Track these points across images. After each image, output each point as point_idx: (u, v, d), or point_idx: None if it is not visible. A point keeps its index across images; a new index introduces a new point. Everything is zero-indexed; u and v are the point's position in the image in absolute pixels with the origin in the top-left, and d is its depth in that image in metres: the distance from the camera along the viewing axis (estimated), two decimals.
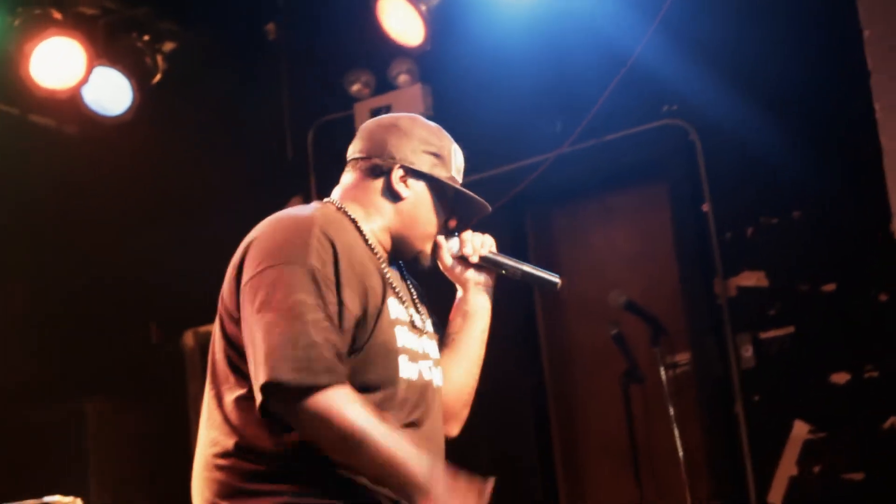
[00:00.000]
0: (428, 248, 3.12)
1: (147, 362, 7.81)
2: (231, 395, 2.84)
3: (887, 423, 5.70)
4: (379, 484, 2.75)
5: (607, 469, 6.59)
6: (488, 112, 6.76)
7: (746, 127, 6.01)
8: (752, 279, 6.08)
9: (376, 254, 2.98)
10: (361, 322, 2.81)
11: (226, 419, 2.85)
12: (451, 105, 6.93)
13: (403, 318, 2.97)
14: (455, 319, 3.24)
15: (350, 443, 2.69)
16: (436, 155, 3.07)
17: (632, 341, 5.69)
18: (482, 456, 6.19)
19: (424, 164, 3.05)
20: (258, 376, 2.69)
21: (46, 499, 4.75)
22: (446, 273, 3.22)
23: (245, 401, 2.80)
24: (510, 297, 6.75)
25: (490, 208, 3.15)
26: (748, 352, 6.03)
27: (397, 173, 3.02)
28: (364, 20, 6.40)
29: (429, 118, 7.20)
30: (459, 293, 3.26)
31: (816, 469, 5.86)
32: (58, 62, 6.33)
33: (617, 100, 6.31)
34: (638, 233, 6.71)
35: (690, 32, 6.24)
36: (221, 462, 2.84)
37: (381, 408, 2.80)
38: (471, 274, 3.23)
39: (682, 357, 6.24)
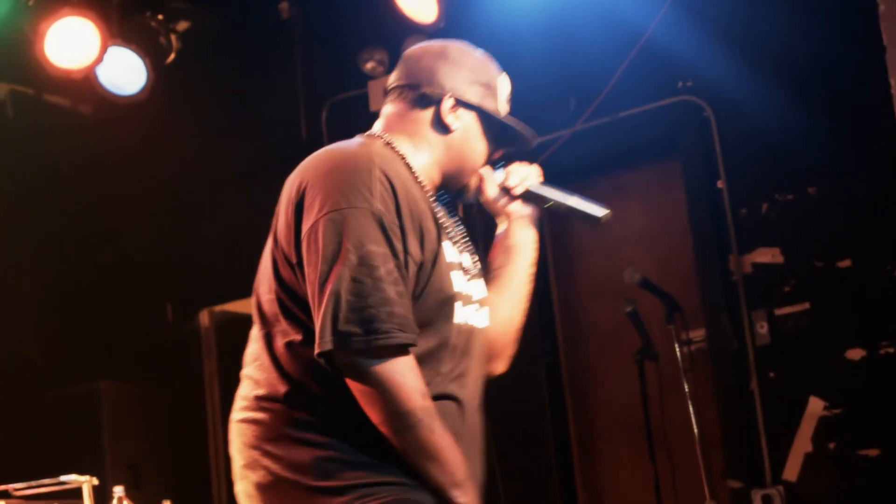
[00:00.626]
0: (473, 181, 3.03)
1: (163, 342, 7.84)
2: (283, 339, 2.75)
3: None
4: (412, 469, 2.67)
5: (623, 446, 6.62)
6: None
7: (761, 104, 6.02)
8: (767, 256, 6.09)
9: (426, 191, 2.86)
10: (420, 266, 2.72)
11: (275, 362, 2.76)
12: None
13: (456, 261, 2.87)
14: (498, 255, 3.13)
15: (399, 422, 2.62)
16: (485, 85, 2.96)
17: (646, 319, 5.68)
18: (498, 434, 6.21)
19: (475, 95, 2.93)
20: (325, 329, 2.59)
21: (63, 478, 4.81)
22: (488, 206, 3.10)
23: (300, 346, 2.71)
24: None
25: (536, 140, 3.05)
26: (763, 328, 6.05)
27: (448, 104, 2.91)
28: None
29: None
30: (501, 228, 3.14)
31: (832, 446, 5.88)
32: (72, 42, 6.33)
33: (630, 77, 6.29)
34: (652, 210, 6.72)
35: (704, 9, 6.24)
36: (268, 405, 2.76)
37: (435, 355, 2.74)
38: (514, 207, 3.10)
39: (697, 334, 6.25)
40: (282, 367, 2.74)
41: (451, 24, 6.45)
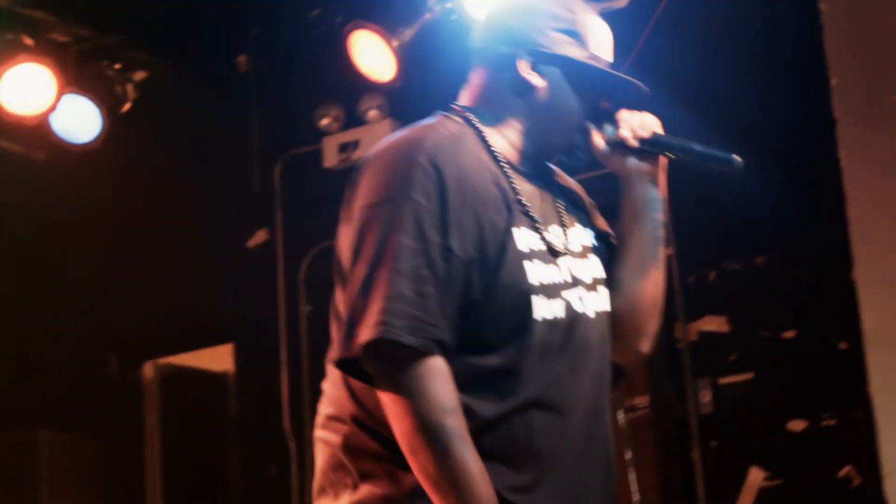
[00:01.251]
0: (578, 139, 2.69)
1: (105, 392, 7.80)
2: None
3: (842, 472, 5.74)
4: (429, 491, 2.34)
5: None
6: None
7: (711, 172, 6.06)
8: (713, 324, 6.13)
9: (504, 169, 2.57)
10: (477, 265, 2.42)
11: (343, 377, 2.49)
12: None
13: (538, 247, 2.53)
14: (624, 219, 2.77)
15: (411, 440, 2.32)
16: (569, 32, 2.64)
17: None
18: None
19: (557, 44, 2.63)
20: (342, 336, 2.37)
21: None
22: (605, 163, 2.74)
23: None
24: None
25: (646, 87, 2.72)
26: (707, 397, 6.07)
27: (525, 61, 2.62)
28: (335, 55, 6.43)
29: None
30: (622, 188, 2.80)
31: None
32: (27, 88, 6.37)
33: None
34: None
35: (658, 69, 6.30)
36: (336, 425, 2.51)
37: (513, 361, 2.43)
38: (633, 162, 2.74)
39: (641, 400, 6.27)
40: (348, 383, 2.50)
41: (408, 82, 6.50)
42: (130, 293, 7.71)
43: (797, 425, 5.86)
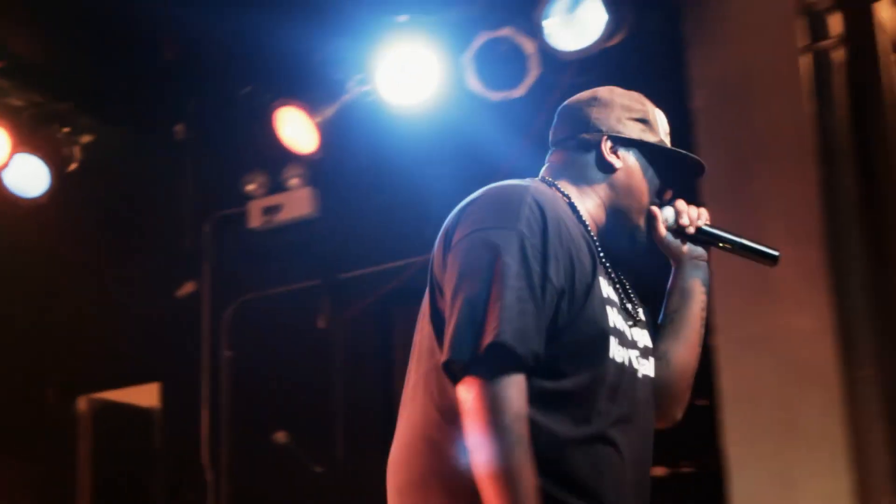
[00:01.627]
0: (643, 222, 2.76)
1: (41, 425, 7.76)
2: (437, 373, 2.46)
3: None
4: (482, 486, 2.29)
5: None
6: (369, 216, 6.90)
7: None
8: None
9: (590, 231, 2.65)
10: (567, 296, 2.44)
11: (430, 400, 2.49)
12: (336, 208, 7.02)
13: (614, 299, 2.61)
14: (672, 298, 2.85)
15: (480, 439, 2.29)
16: (642, 121, 2.76)
17: None
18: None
19: (633, 131, 2.74)
20: (447, 340, 2.36)
21: None
22: (660, 246, 2.82)
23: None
24: (367, 383, 6.79)
25: (704, 164, 2.81)
26: None
27: (607, 144, 2.71)
28: (263, 127, 6.48)
29: (315, 220, 7.28)
30: (673, 270, 2.87)
31: None
32: None
33: None
34: None
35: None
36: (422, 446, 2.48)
37: (590, 391, 2.45)
38: (687, 247, 2.84)
39: None
40: (436, 405, 2.48)
41: (328, 155, 6.56)
42: (70, 333, 7.70)
43: (658, 471, 5.89)
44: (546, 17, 5.55)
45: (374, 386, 6.87)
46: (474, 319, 2.35)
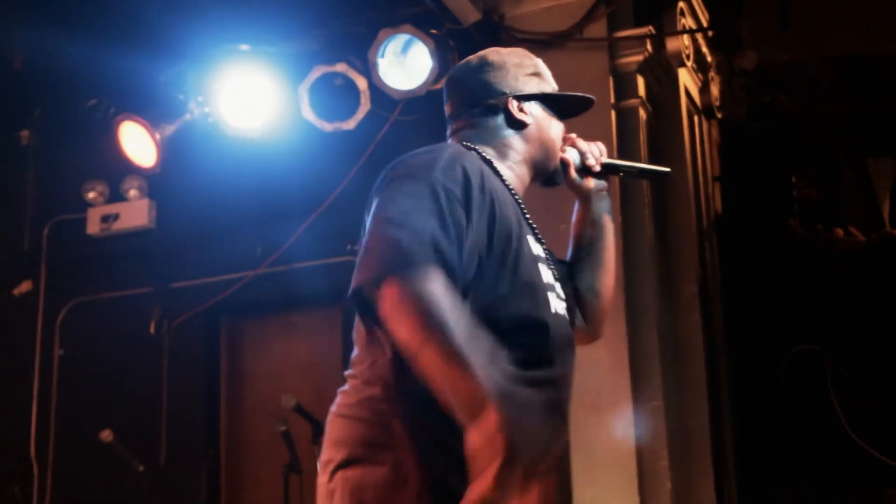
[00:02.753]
0: (559, 166, 2.73)
1: None
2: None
3: None
4: (443, 397, 2.01)
5: None
6: (204, 230, 6.69)
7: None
8: None
9: (512, 191, 2.55)
10: (490, 250, 2.31)
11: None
12: (173, 220, 6.80)
13: (542, 255, 2.52)
14: (584, 232, 2.83)
15: (419, 335, 2.02)
16: (535, 74, 2.69)
17: (297, 438, 5.51)
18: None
19: (532, 86, 2.66)
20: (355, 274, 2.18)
21: None
22: (570, 187, 2.81)
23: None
24: (193, 388, 6.58)
25: (593, 98, 2.75)
26: None
27: (514, 104, 2.62)
28: (105, 139, 6.17)
29: (151, 231, 7.01)
30: (578, 207, 2.85)
31: None
32: None
33: (310, 234, 6.22)
34: (314, 346, 6.61)
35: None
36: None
37: (542, 350, 2.35)
38: (592, 183, 2.81)
39: None
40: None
41: (168, 170, 6.23)
42: None
43: None
44: (380, 57, 5.43)
45: (199, 391, 6.71)
46: (382, 247, 2.15)
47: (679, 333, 5.41)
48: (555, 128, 2.71)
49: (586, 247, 2.83)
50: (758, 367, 5.85)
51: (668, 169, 2.92)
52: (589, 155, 2.79)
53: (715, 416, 5.44)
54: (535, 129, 2.65)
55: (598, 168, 2.80)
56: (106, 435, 5.66)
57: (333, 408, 2.39)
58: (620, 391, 4.98)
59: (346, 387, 2.39)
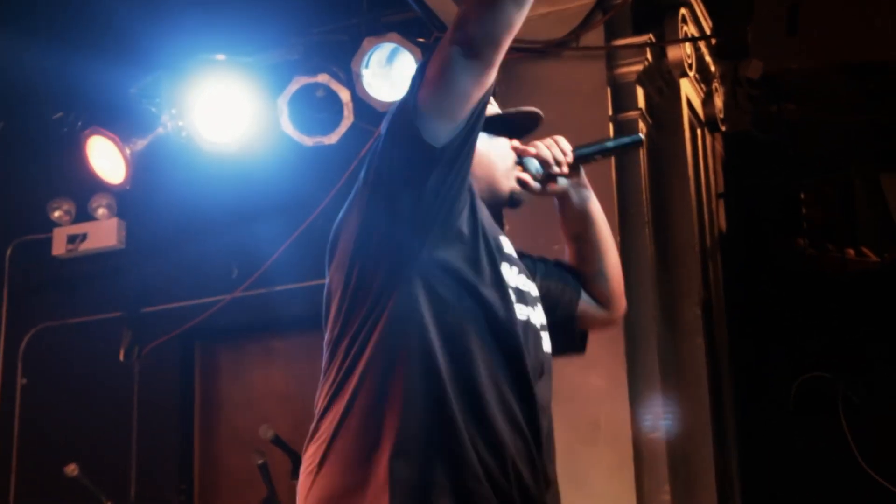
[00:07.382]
0: (515, 184, 2.69)
1: None
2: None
3: None
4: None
5: None
6: (177, 251, 6.70)
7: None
8: None
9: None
10: (462, 225, 2.40)
11: None
12: (143, 240, 6.82)
13: (513, 286, 2.50)
14: (573, 226, 2.86)
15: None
16: None
17: (274, 471, 5.51)
18: None
19: None
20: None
21: None
22: (543, 196, 2.80)
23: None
24: (165, 418, 6.57)
25: (536, 110, 2.73)
26: None
27: None
28: (72, 155, 6.17)
29: (120, 252, 7.03)
30: (559, 205, 2.87)
31: None
32: None
33: (290, 255, 6.22)
34: (293, 374, 6.61)
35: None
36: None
37: (506, 348, 2.39)
38: (562, 181, 2.80)
39: None
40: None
41: (138, 187, 6.22)
42: None
43: None
44: (364, 67, 5.45)
45: (171, 422, 6.69)
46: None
47: (681, 358, 5.41)
48: (498, 148, 2.69)
49: (580, 240, 2.88)
50: (765, 393, 5.87)
51: (640, 136, 2.96)
52: (552, 164, 2.75)
53: (720, 446, 5.46)
54: (478, 158, 2.53)
55: (565, 169, 2.78)
56: (71, 469, 5.64)
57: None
58: (619, 419, 4.99)
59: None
